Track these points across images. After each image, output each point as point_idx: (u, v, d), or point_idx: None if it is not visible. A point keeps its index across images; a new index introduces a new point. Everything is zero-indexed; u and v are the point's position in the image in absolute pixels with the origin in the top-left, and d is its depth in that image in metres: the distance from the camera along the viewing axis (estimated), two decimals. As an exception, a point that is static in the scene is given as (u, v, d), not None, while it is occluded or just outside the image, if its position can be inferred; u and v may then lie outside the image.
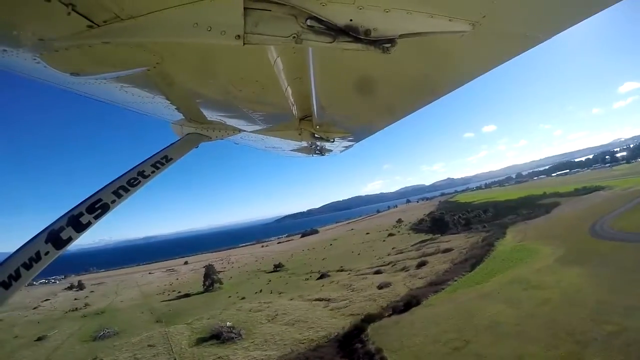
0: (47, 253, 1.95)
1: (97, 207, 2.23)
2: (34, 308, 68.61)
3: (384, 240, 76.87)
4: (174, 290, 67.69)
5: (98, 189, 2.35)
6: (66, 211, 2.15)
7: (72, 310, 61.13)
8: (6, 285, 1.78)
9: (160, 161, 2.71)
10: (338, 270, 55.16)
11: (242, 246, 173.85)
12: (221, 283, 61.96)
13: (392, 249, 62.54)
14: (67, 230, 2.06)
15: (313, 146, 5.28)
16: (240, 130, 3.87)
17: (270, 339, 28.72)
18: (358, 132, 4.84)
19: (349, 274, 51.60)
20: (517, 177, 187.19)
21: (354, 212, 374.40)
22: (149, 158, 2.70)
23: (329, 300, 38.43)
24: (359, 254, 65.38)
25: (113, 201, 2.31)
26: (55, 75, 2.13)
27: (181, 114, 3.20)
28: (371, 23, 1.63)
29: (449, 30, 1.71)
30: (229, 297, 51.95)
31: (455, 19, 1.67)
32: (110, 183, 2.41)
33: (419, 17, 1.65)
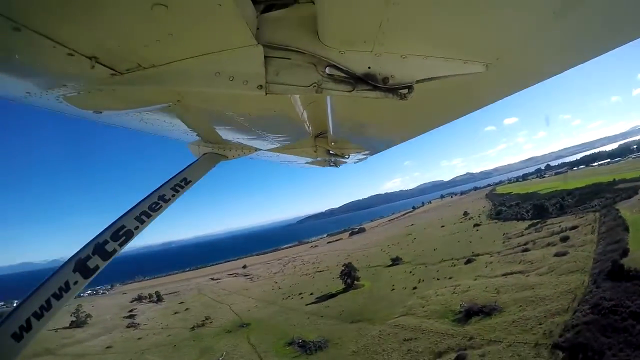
0: (75, 282, 1.96)
1: (121, 234, 2.24)
2: (130, 327, 66.39)
3: (477, 229, 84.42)
4: (300, 292, 70.40)
5: (120, 215, 2.37)
6: (91, 239, 2.16)
7: (198, 326, 60.15)
8: (38, 316, 1.78)
9: (180, 184, 2.74)
10: (474, 256, 61.39)
11: (286, 248, 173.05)
12: (358, 280, 68.37)
13: (504, 234, 70.53)
14: (94, 259, 2.07)
15: (327, 160, 5.59)
16: (257, 149, 4.01)
17: (537, 301, 34.01)
18: (372, 147, 5.20)
19: (491, 256, 58.09)
20: (547, 168, 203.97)
21: (378, 210, 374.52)
22: (167, 181, 2.71)
23: (521, 272, 44.04)
24: (470, 242, 72.37)
25: (136, 227, 2.33)
26: (77, 112, 2.20)
27: (199, 137, 3.37)
28: (389, 70, 1.72)
29: (463, 73, 1.82)
30: (392, 290, 55.90)
31: (469, 62, 1.76)
32: (132, 209, 2.42)
33: (434, 61, 1.74)
